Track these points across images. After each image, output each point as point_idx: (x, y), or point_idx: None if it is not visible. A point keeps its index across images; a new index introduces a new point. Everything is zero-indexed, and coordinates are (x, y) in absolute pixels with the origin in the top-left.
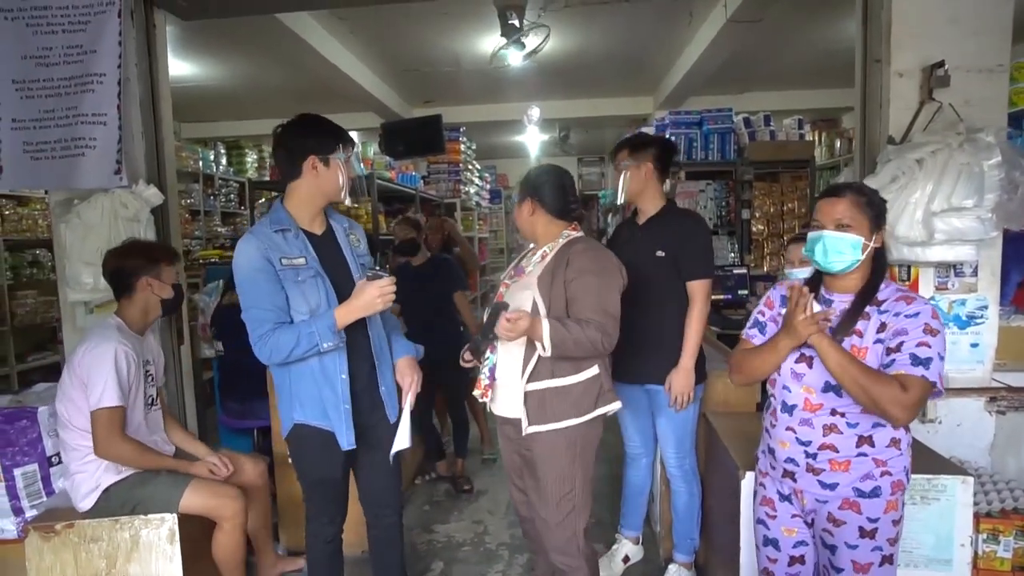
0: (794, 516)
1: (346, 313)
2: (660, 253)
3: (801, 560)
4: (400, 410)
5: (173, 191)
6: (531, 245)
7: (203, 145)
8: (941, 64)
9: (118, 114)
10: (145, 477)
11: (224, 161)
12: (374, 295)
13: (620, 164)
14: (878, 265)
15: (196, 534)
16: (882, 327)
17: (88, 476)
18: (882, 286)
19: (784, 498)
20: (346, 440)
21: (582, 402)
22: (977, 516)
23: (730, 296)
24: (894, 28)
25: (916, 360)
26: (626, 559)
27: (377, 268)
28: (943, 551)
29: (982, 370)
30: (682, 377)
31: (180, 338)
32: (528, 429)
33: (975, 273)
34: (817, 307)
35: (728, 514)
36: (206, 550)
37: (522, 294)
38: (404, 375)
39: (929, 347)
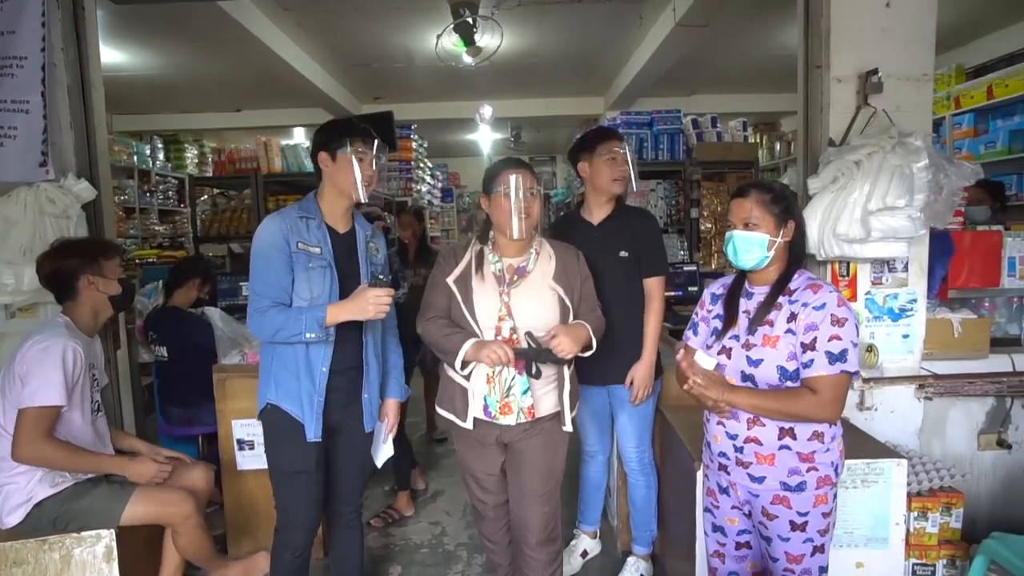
0: (734, 507)
1: (337, 311)
2: (623, 253)
3: (747, 545)
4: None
5: (107, 186)
6: (474, 245)
7: (138, 139)
8: (875, 72)
9: (43, 101)
10: (82, 489)
11: (161, 156)
12: (367, 300)
13: (628, 153)
14: (793, 257)
15: (139, 548)
16: (792, 317)
17: (19, 488)
18: (795, 276)
19: (723, 490)
20: (313, 431)
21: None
22: (909, 496)
23: (680, 293)
24: (832, 36)
25: (832, 357)
26: (584, 553)
27: (382, 276)
28: (880, 530)
29: (912, 359)
30: (644, 371)
31: (117, 342)
32: (570, 416)
33: (906, 269)
34: (706, 361)
35: (684, 505)
36: (149, 565)
37: (544, 294)
38: (386, 416)
39: (840, 339)
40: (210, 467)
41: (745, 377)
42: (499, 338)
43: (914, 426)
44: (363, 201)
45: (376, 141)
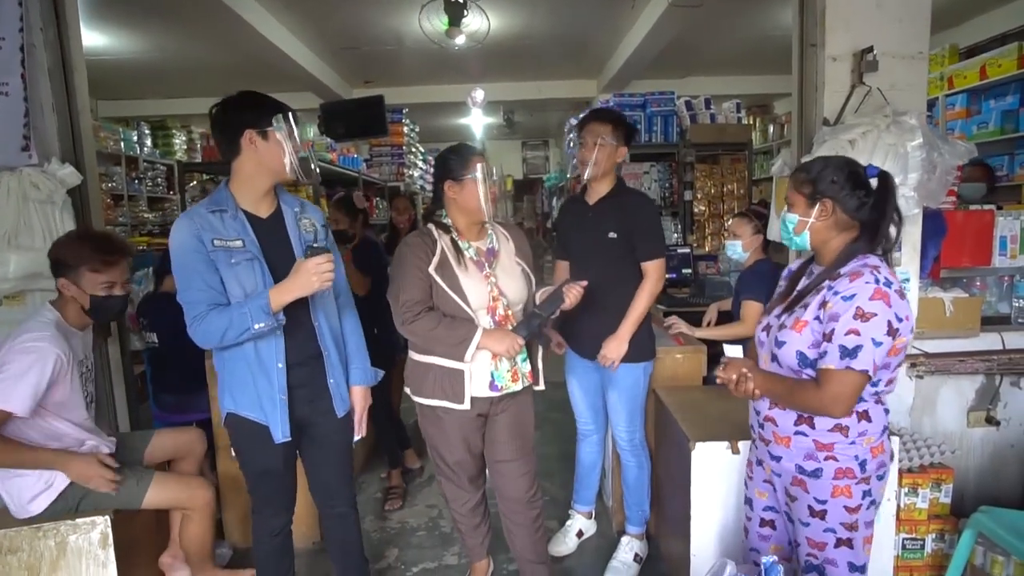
0: (765, 481)
1: (280, 292)
2: (613, 235)
3: (772, 525)
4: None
5: (92, 171)
6: (440, 235)
7: (124, 125)
8: (870, 50)
9: (23, 84)
10: None
11: (149, 142)
12: (308, 272)
13: (602, 139)
14: (855, 239)
15: (136, 534)
16: (823, 304)
17: (34, 478)
18: (853, 260)
19: (758, 462)
20: (280, 432)
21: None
22: (900, 472)
23: (674, 275)
24: (827, 14)
25: (844, 352)
26: (580, 534)
27: (317, 244)
28: None
29: None
30: (613, 343)
31: (107, 330)
32: (543, 380)
33: (899, 248)
34: (734, 351)
35: (679, 485)
36: (146, 550)
37: (515, 269)
38: (355, 404)
39: (859, 335)
40: (200, 432)
41: (773, 357)
42: (495, 318)
43: (905, 404)
44: (302, 180)
45: (294, 114)
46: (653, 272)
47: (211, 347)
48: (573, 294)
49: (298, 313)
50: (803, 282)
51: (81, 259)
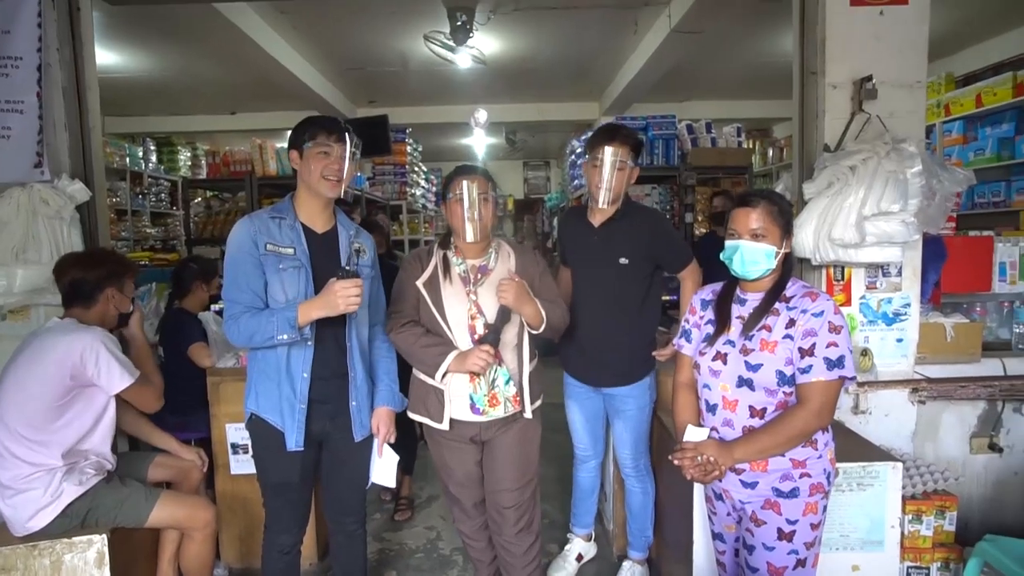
0: (729, 514)
1: (308, 308)
2: (623, 260)
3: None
4: (372, 437)
5: (101, 188)
6: (437, 251)
7: (130, 141)
8: (869, 78)
9: (38, 102)
10: (110, 488)
11: (154, 158)
12: (334, 294)
13: (622, 160)
14: (786, 266)
15: (131, 554)
16: (791, 323)
17: (40, 492)
18: (789, 284)
19: (717, 496)
20: (294, 440)
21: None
22: (903, 499)
23: (675, 297)
24: (828, 43)
25: (830, 364)
26: (579, 557)
27: (349, 267)
28: (876, 533)
29: (906, 363)
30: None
31: None
32: (531, 408)
33: (899, 273)
34: (698, 433)
35: (682, 510)
36: (142, 571)
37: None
38: (378, 425)
39: (837, 346)
40: (200, 451)
41: (742, 381)
42: (475, 336)
43: (908, 429)
44: (328, 196)
45: (346, 135)
46: (690, 277)
47: (240, 346)
48: (500, 290)
49: (334, 330)
50: (736, 308)
51: (127, 268)
